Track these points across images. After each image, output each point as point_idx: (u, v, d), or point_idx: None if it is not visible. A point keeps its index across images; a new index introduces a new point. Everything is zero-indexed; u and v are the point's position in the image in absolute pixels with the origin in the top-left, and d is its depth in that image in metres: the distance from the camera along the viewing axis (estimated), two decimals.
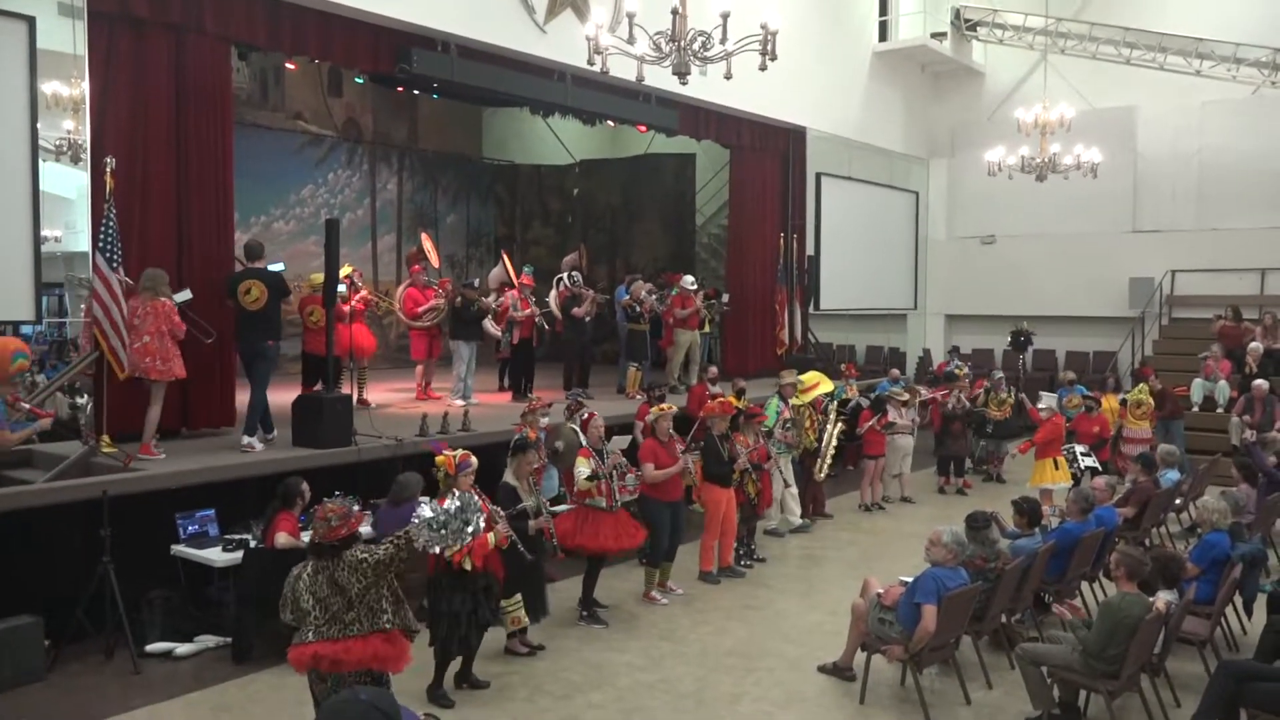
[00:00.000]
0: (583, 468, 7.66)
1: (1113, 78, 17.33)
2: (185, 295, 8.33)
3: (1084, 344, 18.46)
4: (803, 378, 11.18)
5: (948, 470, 13.23)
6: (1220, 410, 14.21)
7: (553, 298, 13.09)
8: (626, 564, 8.87)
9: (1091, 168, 15.35)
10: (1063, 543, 7.51)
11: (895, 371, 14.75)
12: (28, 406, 7.88)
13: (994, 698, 6.52)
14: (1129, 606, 5.65)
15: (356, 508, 4.82)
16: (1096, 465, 9.77)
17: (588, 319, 12.74)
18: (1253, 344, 14.52)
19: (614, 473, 7.79)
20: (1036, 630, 7.32)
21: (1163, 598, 5.92)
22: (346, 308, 10.60)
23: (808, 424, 10.69)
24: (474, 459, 6.26)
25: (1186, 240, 17.26)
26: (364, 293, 11.41)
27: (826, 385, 11.33)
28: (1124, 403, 12.97)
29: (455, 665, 6.38)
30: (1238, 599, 7.40)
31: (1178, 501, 10.36)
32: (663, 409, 8.65)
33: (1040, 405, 11.74)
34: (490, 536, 6.06)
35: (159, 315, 8.02)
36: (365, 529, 6.05)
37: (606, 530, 7.67)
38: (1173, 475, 10.01)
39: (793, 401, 10.72)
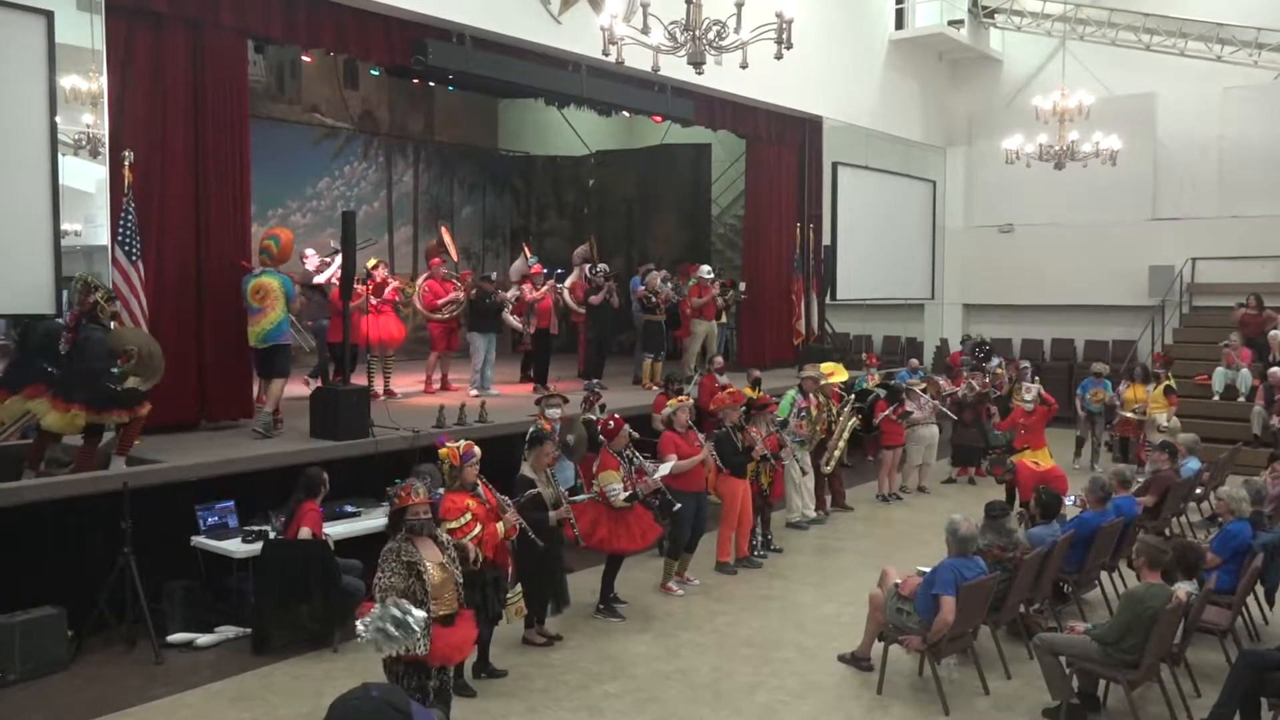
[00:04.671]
0: (616, 485, 7.52)
1: (1132, 64, 17.16)
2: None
3: (1103, 333, 18.33)
4: (821, 368, 11.21)
5: (962, 460, 13.19)
6: (1242, 399, 14.11)
7: (567, 288, 13.10)
8: (645, 554, 8.89)
9: (1111, 155, 15.22)
10: (1081, 532, 7.48)
11: (914, 361, 14.73)
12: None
13: (1012, 688, 6.50)
14: (1151, 597, 5.62)
15: (416, 483, 4.92)
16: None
17: (612, 297, 12.69)
18: (1274, 332, 14.40)
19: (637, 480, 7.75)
20: (1055, 620, 7.30)
21: (1183, 588, 5.89)
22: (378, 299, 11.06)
23: (816, 413, 10.63)
24: (478, 449, 6.15)
25: (1207, 228, 17.08)
26: (397, 282, 11.67)
27: (842, 374, 11.35)
28: (1169, 390, 12.99)
29: (470, 657, 6.40)
30: (1259, 588, 7.34)
31: (1198, 491, 10.30)
32: (680, 401, 8.62)
33: (1026, 398, 11.69)
34: (500, 526, 6.07)
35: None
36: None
37: (634, 529, 7.63)
38: (1193, 464, 9.93)
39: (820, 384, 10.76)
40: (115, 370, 7.44)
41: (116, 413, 7.49)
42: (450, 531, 5.69)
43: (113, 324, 7.67)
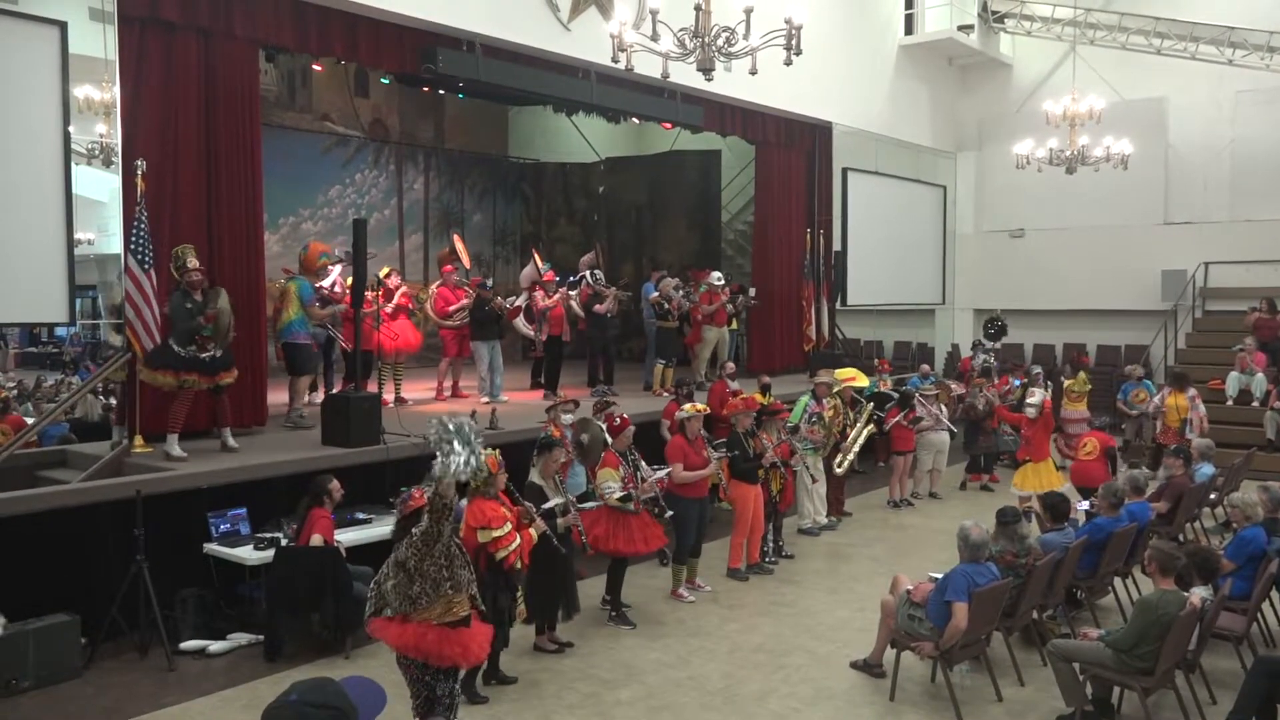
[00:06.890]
0: (613, 483, 7.51)
1: (1143, 68, 17.11)
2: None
3: (1115, 338, 18.26)
4: (837, 373, 11.19)
5: (975, 467, 13.15)
6: (1256, 404, 14.04)
7: (574, 296, 13.11)
8: (654, 563, 8.89)
9: (1122, 159, 15.14)
10: (1094, 538, 7.45)
11: (925, 367, 14.68)
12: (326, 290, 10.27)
13: (1026, 694, 6.47)
14: (1165, 604, 5.58)
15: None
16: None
17: (610, 315, 12.74)
18: None
19: (638, 483, 7.75)
20: (1069, 626, 7.26)
21: (1197, 594, 5.86)
22: (390, 305, 11.17)
23: (830, 417, 10.56)
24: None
25: (1219, 232, 17.02)
26: (406, 288, 11.74)
27: (862, 380, 11.33)
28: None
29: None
30: (1274, 594, 7.29)
31: (1212, 496, 10.24)
32: (695, 409, 8.58)
33: (1030, 401, 10.98)
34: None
35: None
36: None
37: (634, 533, 7.62)
38: (1207, 469, 9.88)
39: (834, 390, 10.71)
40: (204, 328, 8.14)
41: (190, 376, 8.11)
42: (494, 540, 5.74)
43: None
